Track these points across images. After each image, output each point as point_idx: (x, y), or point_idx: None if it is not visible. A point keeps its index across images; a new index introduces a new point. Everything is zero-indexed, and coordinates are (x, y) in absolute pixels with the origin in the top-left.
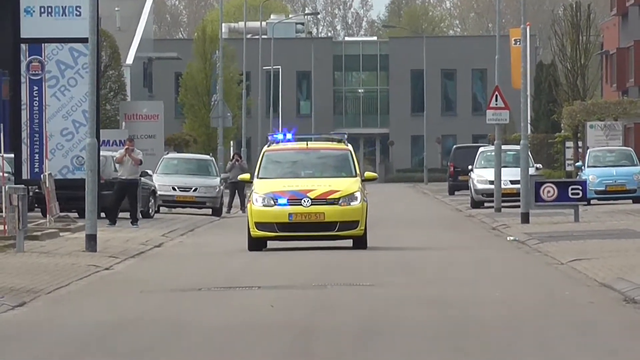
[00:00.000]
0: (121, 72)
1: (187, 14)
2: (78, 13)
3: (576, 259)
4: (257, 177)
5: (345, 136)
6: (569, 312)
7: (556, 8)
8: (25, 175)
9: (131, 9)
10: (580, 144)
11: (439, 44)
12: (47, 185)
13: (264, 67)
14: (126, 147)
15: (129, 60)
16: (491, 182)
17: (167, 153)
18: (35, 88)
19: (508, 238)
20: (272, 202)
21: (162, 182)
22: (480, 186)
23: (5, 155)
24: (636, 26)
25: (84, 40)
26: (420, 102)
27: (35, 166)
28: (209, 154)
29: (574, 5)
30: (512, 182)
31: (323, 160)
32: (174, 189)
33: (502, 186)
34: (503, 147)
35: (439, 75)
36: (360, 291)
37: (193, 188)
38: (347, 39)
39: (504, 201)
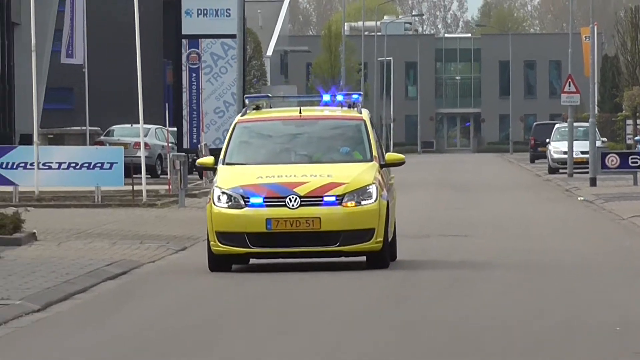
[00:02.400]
0: (262, 62)
1: (316, 15)
2: (228, 14)
3: (635, 215)
4: (223, 163)
5: (359, 98)
6: (628, 258)
7: (619, 10)
8: (185, 145)
9: (271, 10)
10: (638, 121)
11: (522, 39)
12: (202, 153)
13: (379, 59)
14: None
15: (269, 52)
16: (565, 153)
17: None
18: (194, 75)
19: (578, 198)
20: (242, 202)
21: None
22: (556, 156)
23: (170, 128)
24: None
25: (232, 36)
26: (506, 87)
27: (194, 138)
28: None
29: (634, 8)
30: (582, 152)
31: (323, 135)
32: None
33: (574, 156)
34: (575, 124)
35: (521, 66)
36: (455, 241)
37: None
38: (446, 35)
39: (575, 168)
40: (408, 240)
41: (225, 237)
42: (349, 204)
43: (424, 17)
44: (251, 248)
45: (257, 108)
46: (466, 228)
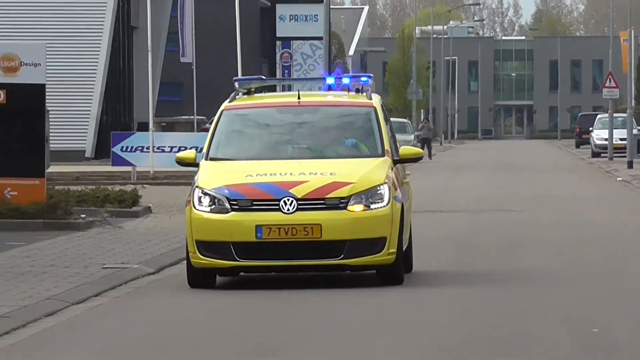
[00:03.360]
0: (345, 61)
1: (391, 20)
2: (315, 19)
3: None
4: (206, 158)
5: (370, 81)
6: None
7: None
8: None
9: (352, 16)
10: None
11: (569, 42)
12: None
13: (445, 58)
14: (424, 122)
15: (351, 52)
16: (605, 139)
17: None
18: (286, 72)
19: (617, 178)
20: (227, 205)
21: None
22: (598, 142)
23: None
24: None
25: (319, 38)
26: (555, 83)
27: None
28: (406, 118)
29: None
30: (621, 139)
31: (326, 125)
32: None
33: (614, 142)
34: (614, 115)
35: (568, 64)
36: (508, 216)
37: None
38: (503, 38)
39: (614, 153)
40: (466, 214)
41: (207, 247)
42: (355, 207)
43: (484, 22)
44: (238, 261)
45: (248, 93)
46: (519, 204)
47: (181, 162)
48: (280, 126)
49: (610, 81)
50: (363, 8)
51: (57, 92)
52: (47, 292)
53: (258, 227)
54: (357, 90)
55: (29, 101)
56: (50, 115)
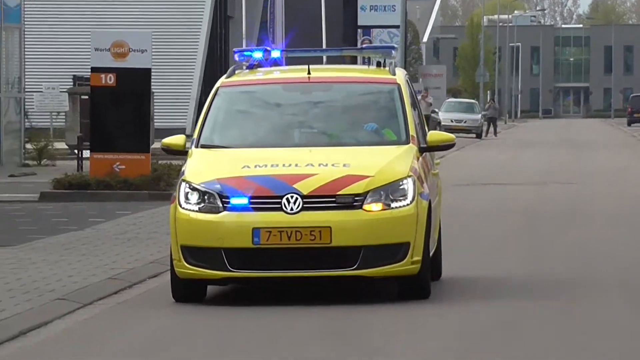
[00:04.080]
0: (419, 47)
1: (462, 9)
2: (393, 9)
3: None
4: (197, 145)
5: (394, 52)
6: None
7: None
8: None
9: (426, 6)
10: None
11: (622, 29)
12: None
13: (510, 44)
14: (422, 95)
15: (425, 39)
16: None
17: (448, 98)
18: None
19: None
20: (219, 203)
21: (445, 117)
22: None
23: None
24: None
25: (396, 27)
26: (609, 66)
27: None
28: (473, 99)
29: None
30: None
31: (341, 105)
32: (451, 121)
33: None
34: None
35: (622, 49)
36: (568, 188)
37: (464, 120)
38: (563, 26)
39: None
40: (529, 186)
41: (194, 254)
42: (373, 206)
43: (545, 11)
44: (230, 271)
45: (251, 67)
46: (577, 176)
47: (168, 149)
48: (286, 107)
49: None
50: None
51: (161, 76)
52: (150, 256)
53: (255, 231)
54: (379, 64)
55: (137, 84)
56: (154, 97)
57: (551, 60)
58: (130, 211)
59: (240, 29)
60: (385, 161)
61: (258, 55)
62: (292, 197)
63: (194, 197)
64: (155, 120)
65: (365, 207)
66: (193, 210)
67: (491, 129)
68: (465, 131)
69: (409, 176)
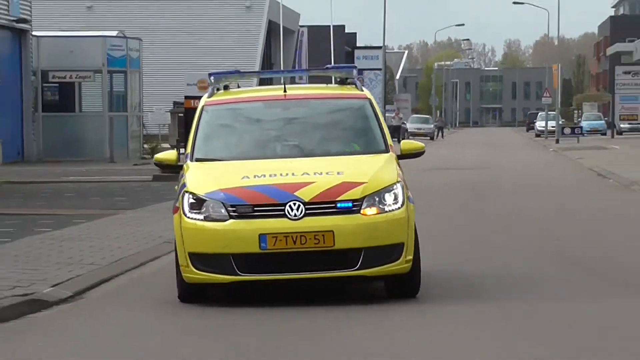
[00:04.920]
0: (394, 82)
1: (421, 58)
2: (377, 58)
3: (579, 158)
4: (192, 159)
5: (354, 71)
6: (577, 178)
7: None
8: None
9: (398, 55)
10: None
11: (523, 70)
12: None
13: (451, 80)
14: (395, 112)
15: (397, 77)
16: (543, 127)
17: (412, 114)
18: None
19: (550, 149)
20: (225, 212)
21: (410, 126)
22: (539, 128)
23: None
24: None
25: (379, 69)
26: (515, 94)
27: None
28: (428, 115)
29: None
30: (552, 127)
31: (321, 120)
32: (415, 129)
33: (548, 128)
34: (549, 112)
35: (522, 84)
36: (491, 170)
37: (422, 129)
38: (485, 68)
39: (548, 135)
40: (468, 170)
41: (202, 260)
42: (368, 211)
43: (474, 59)
44: (239, 275)
45: (226, 88)
46: (495, 163)
47: (161, 164)
48: (271, 121)
49: (546, 93)
50: (404, 52)
51: None
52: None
53: (262, 237)
54: (342, 82)
55: None
56: None
57: (478, 91)
58: None
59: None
60: (374, 168)
61: (234, 78)
62: (294, 204)
63: (198, 207)
64: None
65: (363, 211)
66: (199, 220)
67: (440, 134)
68: (423, 135)
69: (398, 182)
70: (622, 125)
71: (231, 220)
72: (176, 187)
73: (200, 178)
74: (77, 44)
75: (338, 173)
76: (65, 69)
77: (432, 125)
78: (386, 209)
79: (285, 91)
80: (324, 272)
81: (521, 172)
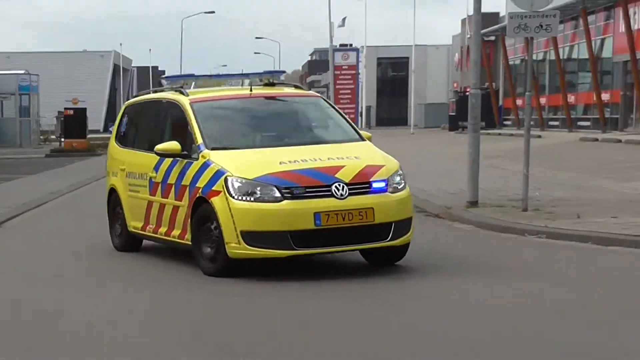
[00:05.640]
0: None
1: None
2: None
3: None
4: (208, 147)
5: (282, 76)
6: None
7: None
8: None
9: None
10: None
11: None
12: None
13: None
14: None
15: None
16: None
17: None
18: None
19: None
20: (277, 194)
21: None
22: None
23: None
24: None
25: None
26: None
27: None
28: None
29: None
30: None
31: (299, 113)
32: None
33: None
34: None
35: None
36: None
37: None
38: None
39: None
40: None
41: (256, 237)
42: (390, 189)
43: None
44: (295, 250)
45: (180, 89)
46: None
47: (165, 154)
48: (257, 116)
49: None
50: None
51: None
52: None
53: (316, 215)
54: (272, 84)
55: None
56: None
57: None
58: None
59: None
60: (375, 154)
61: (188, 81)
62: (339, 185)
63: (248, 189)
64: None
65: (388, 190)
66: (249, 201)
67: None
68: None
69: (399, 165)
70: None
71: (286, 201)
72: (171, 178)
73: (239, 164)
74: (1, 78)
75: (356, 157)
76: None
77: None
78: (399, 187)
79: (251, 90)
80: (366, 244)
81: (443, 155)
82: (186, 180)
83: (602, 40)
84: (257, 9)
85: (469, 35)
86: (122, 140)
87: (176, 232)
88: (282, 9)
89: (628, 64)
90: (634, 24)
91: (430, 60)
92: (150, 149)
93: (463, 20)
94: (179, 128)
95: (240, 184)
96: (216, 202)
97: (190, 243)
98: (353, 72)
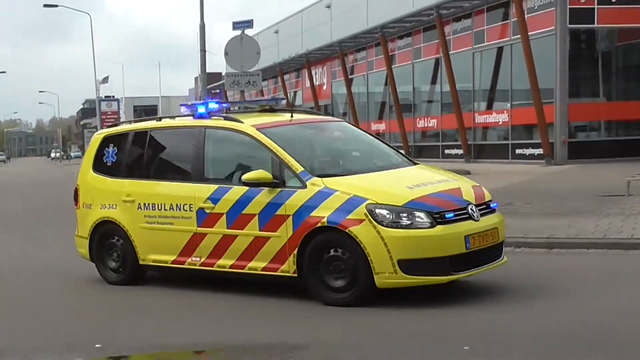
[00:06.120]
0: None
1: None
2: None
3: None
4: (314, 174)
5: (283, 102)
6: None
7: None
8: None
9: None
10: None
11: None
12: None
13: None
14: None
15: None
16: None
17: None
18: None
19: None
20: (428, 220)
21: None
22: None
23: None
24: None
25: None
26: None
27: None
28: None
29: None
30: None
31: (352, 139)
32: None
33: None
34: None
35: None
36: None
37: None
38: None
39: None
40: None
41: (414, 266)
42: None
43: None
44: (452, 275)
45: (229, 117)
46: None
47: (254, 183)
48: (323, 142)
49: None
50: None
51: None
52: None
53: (466, 238)
54: (269, 109)
55: None
56: None
57: None
58: None
59: None
60: (454, 176)
61: (213, 105)
62: (472, 207)
63: (396, 216)
64: None
65: (495, 210)
66: (402, 227)
67: None
68: None
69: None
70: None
71: (440, 226)
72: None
73: (371, 190)
74: None
75: (454, 179)
76: None
77: None
78: (496, 209)
79: (292, 117)
80: (493, 263)
81: None
82: (287, 210)
83: (295, 92)
84: (39, 68)
85: (200, 89)
86: (111, 170)
87: (260, 264)
88: (58, 67)
89: (313, 108)
90: (316, 81)
91: (173, 108)
92: (185, 179)
93: (196, 78)
94: (243, 156)
95: (388, 211)
96: (359, 231)
97: (295, 275)
98: (115, 116)
